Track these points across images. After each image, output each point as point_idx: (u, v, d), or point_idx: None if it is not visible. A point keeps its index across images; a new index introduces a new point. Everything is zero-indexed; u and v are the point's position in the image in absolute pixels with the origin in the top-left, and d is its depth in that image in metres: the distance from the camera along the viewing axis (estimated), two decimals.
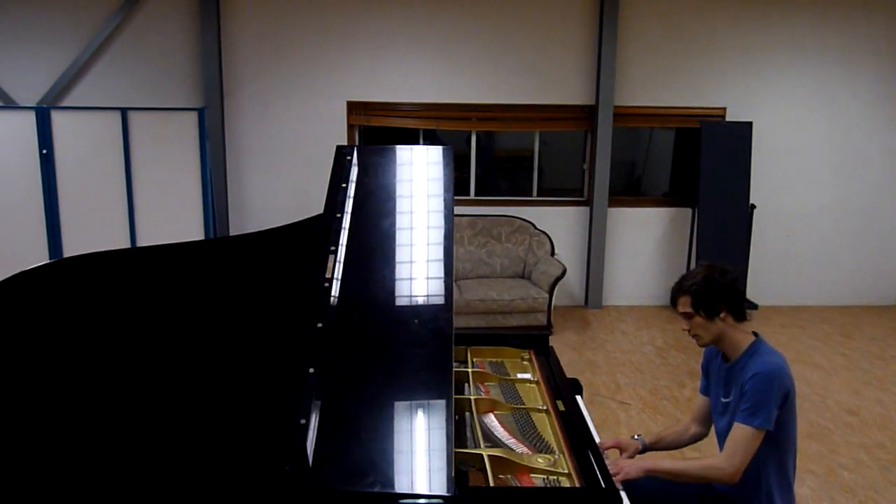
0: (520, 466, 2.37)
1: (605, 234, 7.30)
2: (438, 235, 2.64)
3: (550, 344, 3.45)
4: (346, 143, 7.16)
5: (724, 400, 2.59)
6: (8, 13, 6.79)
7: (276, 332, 2.30)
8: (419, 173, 2.95)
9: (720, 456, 2.42)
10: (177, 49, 6.92)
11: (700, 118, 7.11)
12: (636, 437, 2.85)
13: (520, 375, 3.20)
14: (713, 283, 2.47)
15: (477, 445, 2.47)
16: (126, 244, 6.12)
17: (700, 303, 2.49)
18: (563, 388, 2.93)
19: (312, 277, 2.42)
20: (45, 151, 5.98)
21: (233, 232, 7.25)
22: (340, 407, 2.11)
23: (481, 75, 7.10)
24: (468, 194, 7.42)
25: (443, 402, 2.13)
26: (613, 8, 6.89)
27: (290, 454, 1.97)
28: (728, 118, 7.24)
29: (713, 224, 7.02)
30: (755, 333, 2.60)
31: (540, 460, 2.40)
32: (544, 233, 7.11)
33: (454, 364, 3.22)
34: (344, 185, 2.82)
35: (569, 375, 5.11)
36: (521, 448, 2.57)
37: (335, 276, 2.47)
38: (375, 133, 7.46)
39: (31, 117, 5.97)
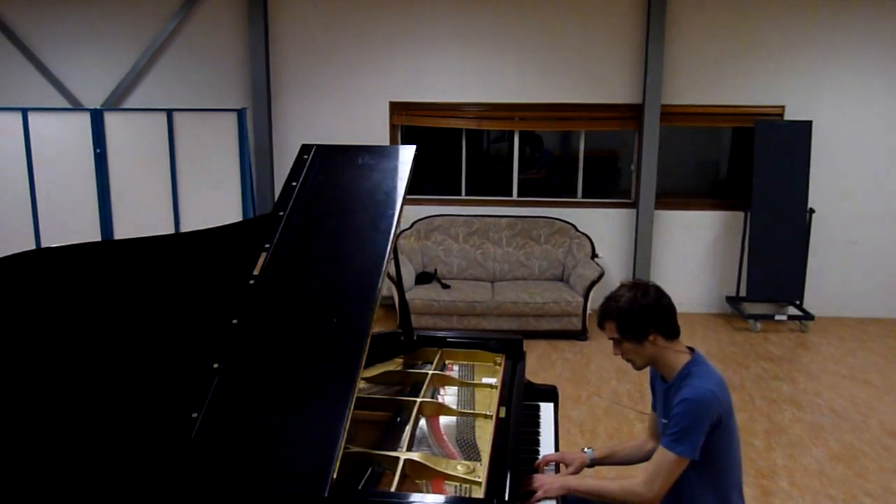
0: (435, 472, 2.32)
1: (651, 237, 7.05)
2: (379, 235, 2.61)
3: (523, 351, 3.35)
4: (389, 144, 7.22)
5: (663, 420, 2.46)
6: (75, 20, 7.22)
7: (197, 329, 2.33)
8: (377, 172, 2.92)
9: (640, 480, 2.29)
10: (227, 52, 7.17)
11: (756, 117, 6.75)
12: (586, 450, 2.74)
13: (485, 380, 3.14)
14: (637, 306, 2.34)
15: (402, 448, 2.44)
16: (171, 228, 6.38)
17: (626, 327, 2.37)
18: (515, 395, 2.83)
19: (238, 275, 2.45)
20: (98, 150, 6.32)
21: None
22: (237, 402, 2.12)
23: (525, 74, 7.00)
24: (510, 195, 7.33)
25: (341, 401, 2.10)
26: (661, 2, 6.64)
27: (177, 447, 2.00)
28: (787, 117, 6.84)
29: (767, 229, 6.65)
30: (691, 350, 2.45)
31: (459, 468, 2.34)
32: (585, 235, 6.94)
33: (427, 366, 3.21)
34: (294, 183, 2.83)
35: (595, 382, 4.97)
36: (446, 454, 2.52)
37: (264, 273, 2.48)
38: (418, 133, 7.48)
39: (86, 118, 6.32)
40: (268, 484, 1.95)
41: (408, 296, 6.42)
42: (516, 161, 7.25)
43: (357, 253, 2.61)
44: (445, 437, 2.64)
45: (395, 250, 3.27)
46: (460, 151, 7.29)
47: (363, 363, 2.23)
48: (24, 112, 6.38)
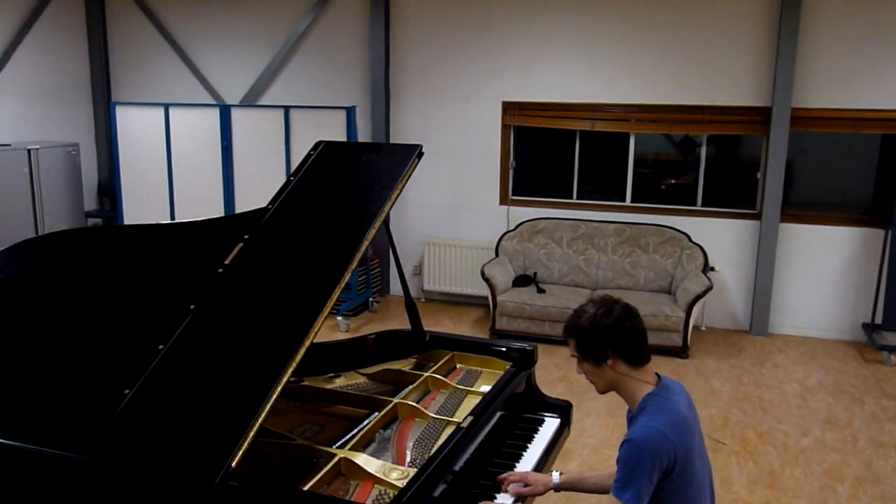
0: (367, 474, 2.30)
1: (774, 252, 6.45)
2: (355, 232, 2.61)
3: (534, 362, 3.21)
4: (500, 144, 7.18)
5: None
6: (220, 22, 7.85)
7: (160, 311, 2.47)
8: (376, 169, 2.93)
9: None
10: (350, 52, 7.46)
11: None
12: (553, 473, 2.57)
13: (483, 388, 3.04)
14: (596, 326, 2.15)
15: (347, 447, 2.43)
16: None
17: (585, 347, 2.20)
18: (493, 404, 2.72)
19: (210, 263, 2.56)
20: (225, 143, 6.83)
21: (394, 223, 7.63)
22: (167, 383, 2.23)
23: (642, 73, 6.66)
24: (623, 200, 7.01)
25: (259, 394, 2.13)
26: None
27: (101, 420, 2.14)
28: None
29: None
30: (659, 377, 2.22)
31: (393, 473, 2.30)
32: (699, 246, 6.48)
33: (430, 365, 3.18)
34: (293, 177, 2.91)
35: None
36: (396, 457, 2.48)
37: (234, 262, 2.58)
38: (530, 134, 7.36)
39: (216, 114, 6.85)
40: (165, 464, 2.03)
41: (501, 298, 6.35)
42: (631, 164, 6.92)
43: (328, 248, 2.64)
44: (407, 441, 2.60)
45: (392, 244, 3.28)
46: (573, 152, 7.09)
47: (296, 358, 2.24)
48: (166, 107, 7.03)
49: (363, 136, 7.53)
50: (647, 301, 6.13)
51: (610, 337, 2.15)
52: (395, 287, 7.81)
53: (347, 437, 2.54)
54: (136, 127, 7.17)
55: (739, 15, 6.32)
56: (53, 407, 2.27)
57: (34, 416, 2.26)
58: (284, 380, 2.18)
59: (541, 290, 6.41)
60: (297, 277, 2.55)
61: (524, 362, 3.17)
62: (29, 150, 6.93)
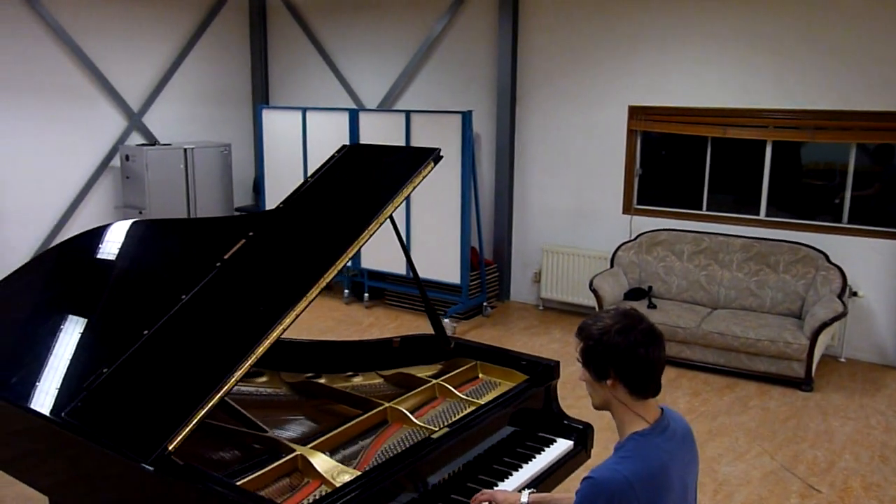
0: (317, 473, 2.33)
1: None
2: (348, 233, 2.65)
3: (554, 377, 3.05)
4: (626, 150, 6.88)
5: None
6: (361, 31, 8.22)
7: (159, 299, 2.65)
8: (389, 171, 2.95)
9: None
10: (479, 57, 7.50)
11: None
12: (523, 492, 2.43)
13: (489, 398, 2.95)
14: (607, 340, 1.92)
15: (311, 445, 2.47)
16: (402, 223, 6.95)
17: (589, 358, 1.99)
18: (481, 419, 2.64)
19: (212, 258, 2.71)
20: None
21: (515, 229, 7.58)
22: (139, 365, 2.39)
23: (782, 76, 6.07)
24: (757, 213, 6.43)
25: (210, 384, 2.23)
26: None
27: (78, 393, 2.35)
28: None
29: None
30: (662, 412, 1.99)
31: (344, 476, 2.32)
32: (837, 267, 5.79)
33: (450, 373, 3.14)
34: (311, 178, 2.99)
35: (780, 440, 4.41)
36: (361, 460, 2.48)
37: (232, 257, 2.71)
38: (657, 140, 6.96)
39: (345, 117, 7.18)
40: (114, 439, 2.19)
41: None
42: (767, 174, 6.33)
43: (319, 247, 2.69)
44: (382, 446, 2.59)
45: (405, 250, 3.26)
46: (704, 160, 6.63)
47: (255, 353, 2.31)
48: (304, 111, 7.49)
49: (488, 140, 7.56)
50: (769, 325, 5.59)
51: (618, 358, 1.92)
52: (517, 293, 7.75)
53: (322, 435, 2.57)
54: (280, 128, 7.71)
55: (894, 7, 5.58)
56: (54, 375, 2.53)
57: (37, 380, 2.53)
58: (238, 374, 2.26)
59: (651, 306, 6.07)
60: (282, 275, 2.63)
61: (542, 377, 3.04)
62: (185, 149, 7.67)
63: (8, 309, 2.96)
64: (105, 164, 7.60)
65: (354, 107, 8.25)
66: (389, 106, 8.14)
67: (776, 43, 6.06)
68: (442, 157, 2.96)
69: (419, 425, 2.68)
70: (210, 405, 2.19)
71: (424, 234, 6.95)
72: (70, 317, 2.72)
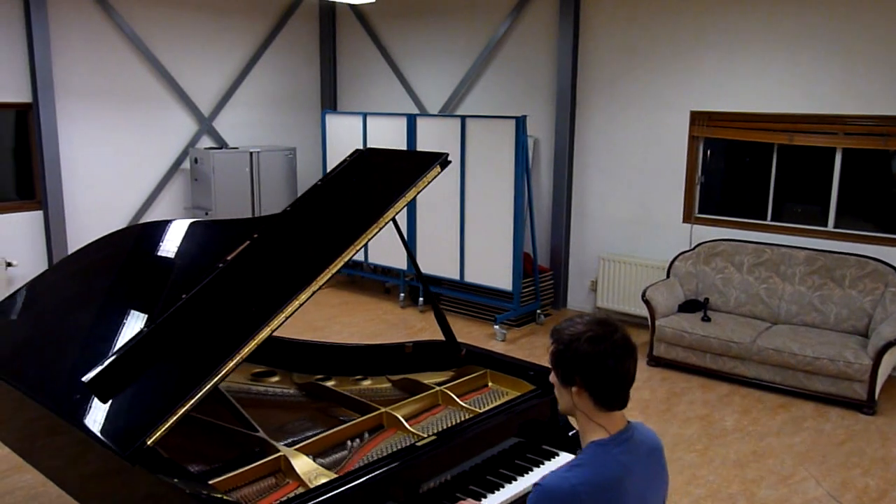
0: (296, 475, 2.36)
1: None
2: (346, 236, 2.67)
3: None
4: (687, 157, 6.66)
5: None
6: (424, 37, 8.28)
7: (164, 299, 2.74)
8: (396, 175, 2.96)
9: None
10: (539, 61, 7.43)
11: None
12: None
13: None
14: (577, 346, 1.86)
15: (292, 446, 2.50)
16: (457, 228, 6.96)
17: (557, 361, 1.92)
18: (469, 429, 2.61)
19: (215, 257, 2.79)
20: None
21: (573, 236, 7.47)
22: (134, 361, 2.48)
23: (851, 80, 5.74)
24: (825, 225, 6.10)
25: (192, 383, 2.29)
26: None
27: (77, 383, 2.47)
28: None
29: None
30: (628, 424, 1.91)
31: (319, 478, 2.34)
32: None
33: (458, 380, 3.11)
34: (320, 182, 3.03)
35: (831, 466, 4.32)
36: (344, 464, 2.49)
37: (235, 259, 2.78)
38: (722, 146, 6.70)
39: (403, 122, 7.25)
40: (101, 430, 2.28)
41: (660, 322, 5.91)
42: (836, 183, 5.99)
43: (316, 250, 2.72)
44: (372, 451, 2.60)
45: (408, 248, 3.25)
46: (770, 168, 6.34)
47: (240, 354, 2.36)
48: (364, 116, 7.61)
49: (547, 145, 7.47)
50: (831, 342, 5.29)
51: (585, 366, 1.85)
52: (573, 301, 7.62)
53: (311, 436, 2.60)
54: (342, 133, 7.87)
55: None
56: (64, 366, 2.67)
57: (49, 369, 2.68)
58: (222, 373, 2.31)
59: (706, 319, 5.84)
60: (276, 278, 2.67)
61: (548, 388, 2.97)
62: (251, 153, 7.93)
63: (40, 302, 3.14)
64: (176, 166, 7.93)
65: (417, 111, 8.32)
66: (451, 110, 8.16)
67: (846, 44, 5.74)
68: (450, 161, 2.94)
69: (412, 432, 2.67)
70: (191, 403, 2.24)
71: (476, 239, 6.93)
72: (83, 310, 2.86)
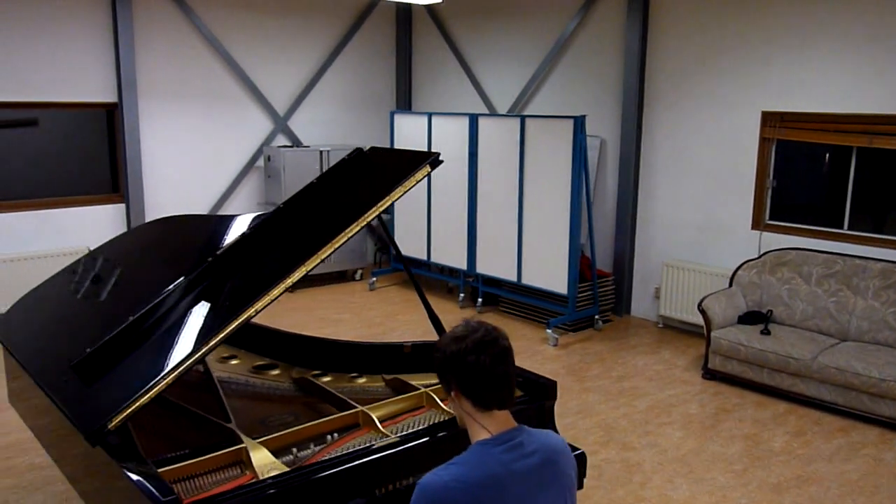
0: (252, 467, 2.41)
1: None
2: (324, 234, 2.70)
3: (548, 398, 2.90)
4: (757, 160, 6.31)
5: None
6: (495, 37, 8.24)
7: (155, 290, 2.85)
8: (389, 174, 2.96)
9: None
10: (607, 60, 7.23)
11: None
12: None
13: None
14: (446, 349, 1.85)
15: (259, 438, 2.55)
16: (515, 229, 6.90)
17: (437, 369, 1.92)
18: (439, 431, 2.58)
19: (208, 251, 2.88)
20: (472, 150, 7.21)
21: (638, 240, 7.24)
22: (116, 348, 2.60)
23: None
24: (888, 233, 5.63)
25: (158, 373, 2.38)
26: None
27: (63, 367, 2.61)
28: None
29: None
30: (518, 428, 1.87)
31: (273, 472, 2.37)
32: None
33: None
34: (315, 181, 3.08)
35: (879, 495, 4.08)
36: (297, 459, 2.52)
37: (223, 253, 2.86)
38: (796, 149, 6.29)
39: (465, 122, 7.25)
40: (73, 410, 2.41)
41: (715, 334, 5.63)
42: None
43: (297, 246, 2.76)
44: (338, 449, 2.61)
45: (393, 242, 3.21)
46: (847, 173, 5.91)
47: (206, 346, 2.42)
48: (429, 116, 7.65)
49: (613, 146, 7.26)
50: None
51: (452, 366, 1.84)
52: (637, 308, 7.38)
53: (281, 431, 2.64)
54: (409, 133, 7.94)
55: None
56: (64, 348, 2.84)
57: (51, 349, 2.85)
58: (182, 368, 2.38)
59: (765, 332, 5.51)
60: (255, 273, 2.73)
61: (537, 396, 2.90)
62: (321, 151, 8.13)
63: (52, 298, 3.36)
64: (251, 163, 8.24)
65: (486, 111, 8.29)
66: (520, 110, 8.08)
67: None
68: (441, 161, 2.92)
69: (382, 432, 2.66)
70: (152, 393, 2.33)
71: (533, 241, 6.83)
72: (83, 297, 3.03)
